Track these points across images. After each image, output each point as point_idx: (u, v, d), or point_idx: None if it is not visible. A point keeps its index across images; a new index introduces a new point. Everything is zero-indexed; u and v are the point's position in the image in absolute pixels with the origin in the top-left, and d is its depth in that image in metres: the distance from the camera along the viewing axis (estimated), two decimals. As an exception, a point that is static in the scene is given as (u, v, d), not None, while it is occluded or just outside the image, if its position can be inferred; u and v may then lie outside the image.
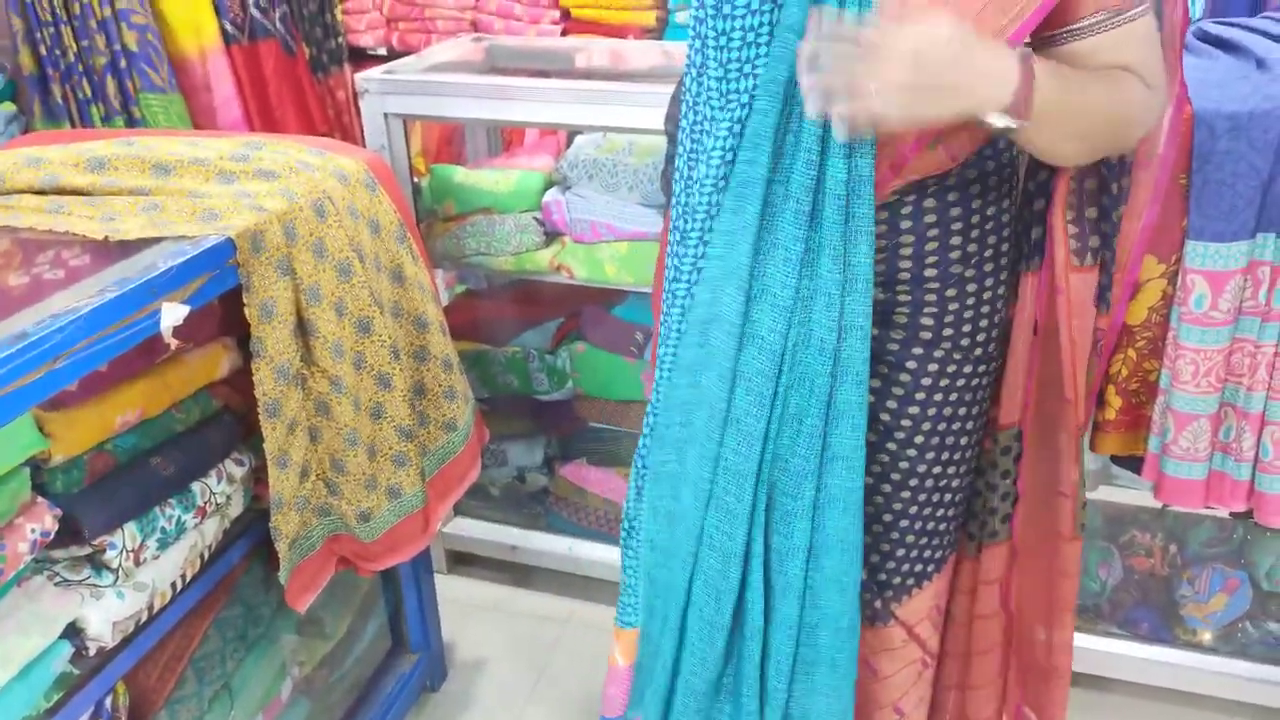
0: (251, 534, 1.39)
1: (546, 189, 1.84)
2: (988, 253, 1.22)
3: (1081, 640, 1.77)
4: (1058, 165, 1.15)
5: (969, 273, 1.21)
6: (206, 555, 1.29)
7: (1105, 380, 1.54)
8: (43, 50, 2.18)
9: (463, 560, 2.16)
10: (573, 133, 1.94)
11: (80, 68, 2.21)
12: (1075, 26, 1.02)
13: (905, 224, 1.16)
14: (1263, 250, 1.37)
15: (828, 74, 0.93)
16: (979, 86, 0.95)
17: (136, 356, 1.15)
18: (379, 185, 1.46)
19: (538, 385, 1.97)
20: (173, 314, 1.11)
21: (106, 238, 1.19)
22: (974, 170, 1.16)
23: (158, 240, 1.19)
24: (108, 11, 2.21)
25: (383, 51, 3.02)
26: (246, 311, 1.23)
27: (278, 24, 2.64)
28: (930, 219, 1.17)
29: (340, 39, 2.87)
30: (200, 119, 2.40)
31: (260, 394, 1.26)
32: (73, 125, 2.24)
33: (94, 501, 1.11)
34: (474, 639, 2.00)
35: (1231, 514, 1.61)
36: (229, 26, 2.48)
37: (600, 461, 2.03)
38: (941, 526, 1.40)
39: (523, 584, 2.14)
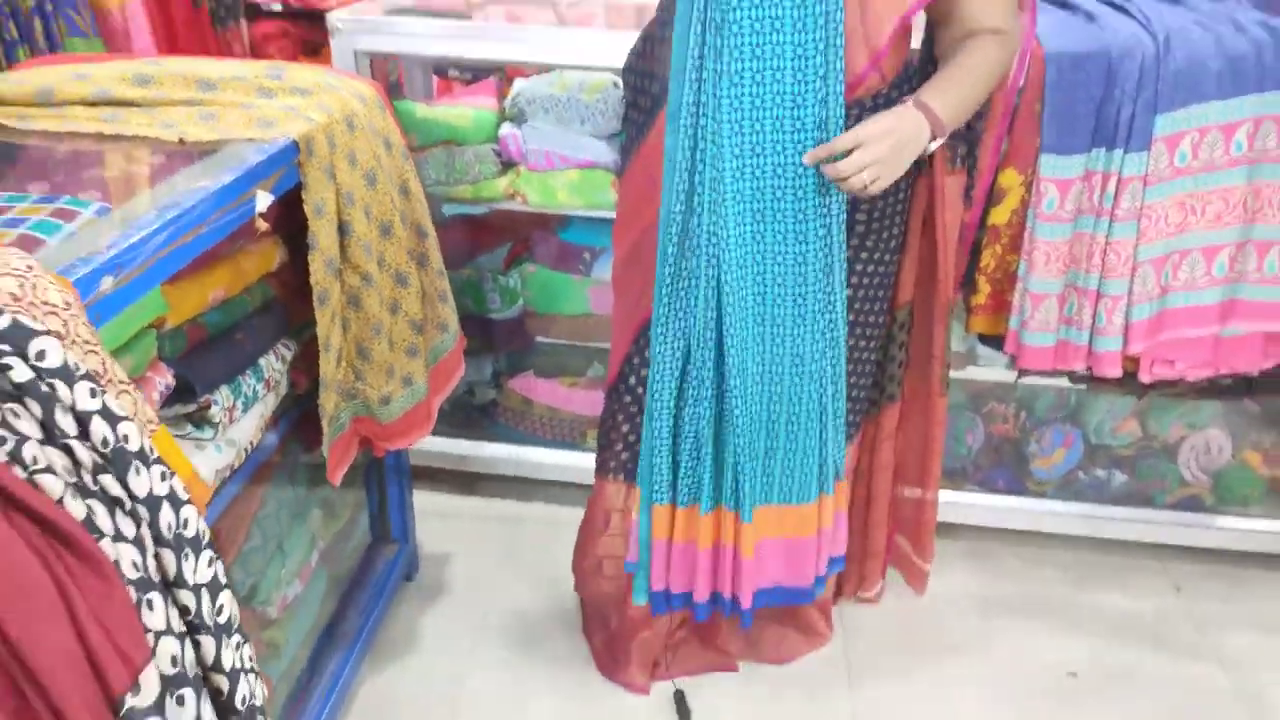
0: (287, 418, 1.56)
1: (500, 124, 2.06)
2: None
3: (952, 496, 2.19)
4: None
5: None
6: (265, 425, 1.46)
7: (976, 271, 1.93)
8: (-34, -9, 2.19)
9: (417, 474, 2.34)
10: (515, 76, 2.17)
11: (8, 9, 2.23)
12: None
13: None
14: (1095, 162, 1.78)
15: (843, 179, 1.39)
16: (915, 145, 1.41)
17: (223, 242, 1.31)
18: (386, 108, 1.65)
19: (491, 305, 2.18)
20: (265, 200, 1.29)
21: (181, 139, 1.34)
22: (895, 92, 1.50)
23: (224, 142, 1.36)
24: (33, -46, 2.24)
25: (278, 8, 3.09)
26: (305, 208, 1.41)
27: (185, -25, 2.70)
28: None
29: (237, -7, 2.94)
30: (124, 65, 2.45)
31: (314, 283, 1.44)
32: (0, 66, 2.25)
33: (197, 365, 1.27)
34: (436, 539, 2.19)
35: (1071, 379, 2.04)
36: (143, -25, 2.53)
37: (546, 373, 2.27)
38: (864, 393, 1.76)
39: (473, 491, 2.35)
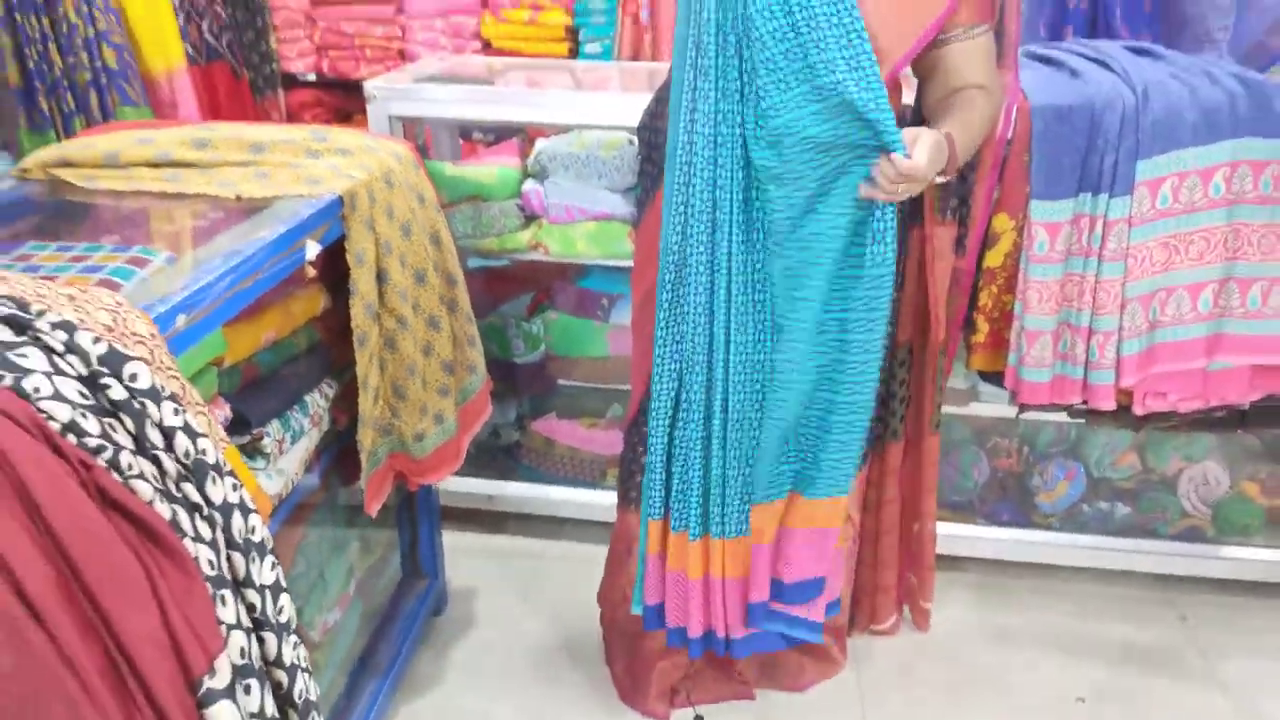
0: (328, 454, 1.67)
1: (523, 180, 2.20)
2: (904, 209, 1.69)
3: (960, 530, 2.27)
4: None
5: None
6: (310, 458, 1.57)
7: (975, 311, 2.04)
8: (30, 65, 2.35)
9: (446, 514, 2.44)
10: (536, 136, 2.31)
11: (65, 82, 2.39)
12: (945, 36, 1.52)
13: None
14: (1083, 206, 1.90)
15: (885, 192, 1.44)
16: (936, 168, 1.44)
17: (275, 287, 1.44)
18: (419, 166, 1.79)
19: (515, 350, 2.30)
20: (314, 249, 1.42)
21: (238, 196, 1.48)
22: None
23: (276, 199, 1.49)
24: (91, 31, 2.42)
25: (312, 77, 3.28)
26: (348, 257, 1.53)
27: (226, 48, 2.89)
28: None
29: (275, 65, 3.14)
30: (171, 132, 2.62)
31: (355, 326, 1.56)
32: (58, 135, 2.41)
33: (252, 400, 1.39)
34: (464, 575, 2.29)
35: (1069, 413, 2.13)
36: (189, 49, 2.71)
37: (567, 415, 2.38)
38: (869, 423, 1.86)
39: (499, 530, 2.45)
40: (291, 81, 3.26)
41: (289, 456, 1.46)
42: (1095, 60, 2.02)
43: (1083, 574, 2.29)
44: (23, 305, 0.90)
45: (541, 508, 2.39)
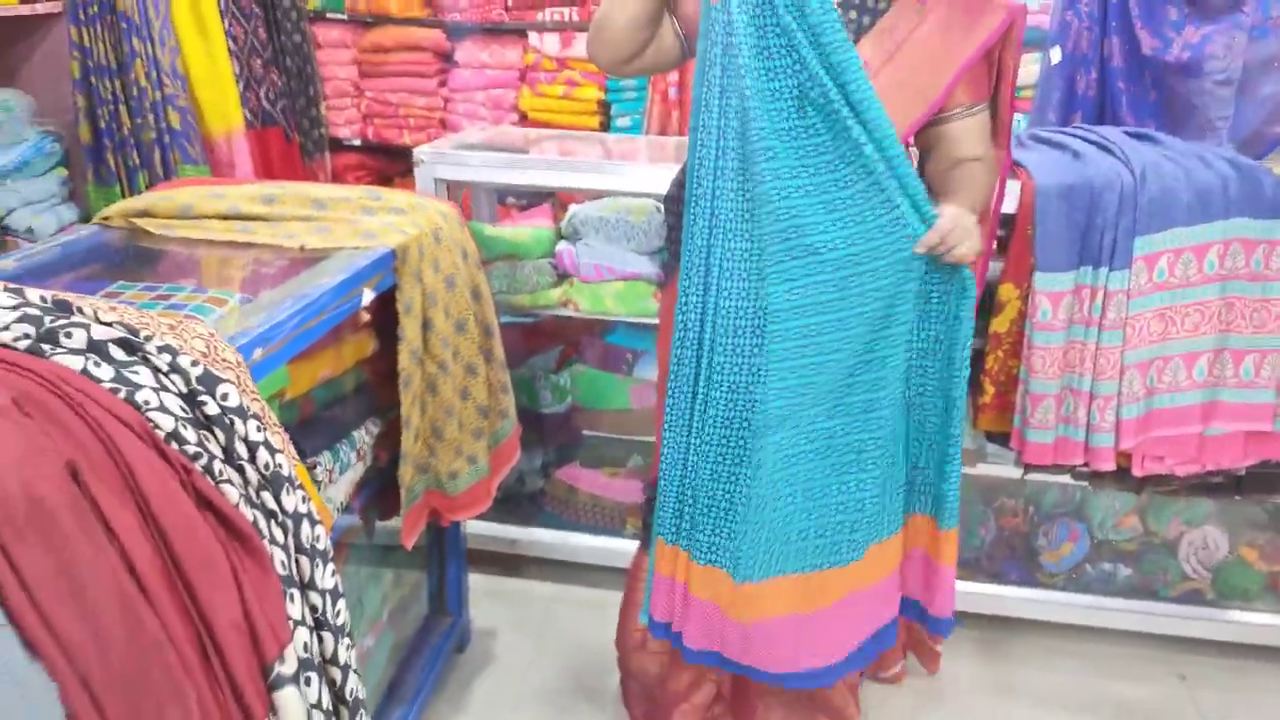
0: (369, 489, 1.79)
1: (556, 241, 2.34)
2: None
3: (967, 587, 2.35)
4: None
5: None
6: (354, 490, 1.68)
7: (982, 374, 2.15)
8: (101, 125, 2.54)
9: (470, 556, 2.54)
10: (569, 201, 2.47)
11: (133, 141, 2.58)
12: (946, 115, 1.66)
13: None
14: (1084, 277, 2.02)
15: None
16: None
17: (332, 330, 1.57)
18: (463, 225, 1.93)
19: (543, 401, 2.43)
20: (369, 296, 1.55)
21: (302, 247, 1.62)
22: None
23: (336, 250, 1.63)
24: (158, 95, 2.61)
25: (358, 142, 3.48)
26: (398, 305, 1.67)
27: (280, 114, 3.08)
28: None
29: (323, 130, 3.33)
30: (228, 190, 2.80)
31: (401, 369, 1.69)
32: (122, 190, 2.59)
33: (306, 432, 1.51)
34: (486, 616, 2.38)
35: (1073, 475, 2.22)
36: (247, 114, 2.90)
37: (590, 464, 2.49)
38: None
39: (520, 573, 2.54)
40: (338, 145, 3.46)
41: (337, 486, 1.58)
42: (1097, 144, 2.16)
43: (1085, 632, 2.36)
44: (132, 330, 1.03)
45: (563, 553, 2.49)
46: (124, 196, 2.54)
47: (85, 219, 2.57)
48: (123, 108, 2.56)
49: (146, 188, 2.61)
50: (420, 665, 2.08)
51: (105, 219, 1.75)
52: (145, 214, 1.73)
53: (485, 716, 2.09)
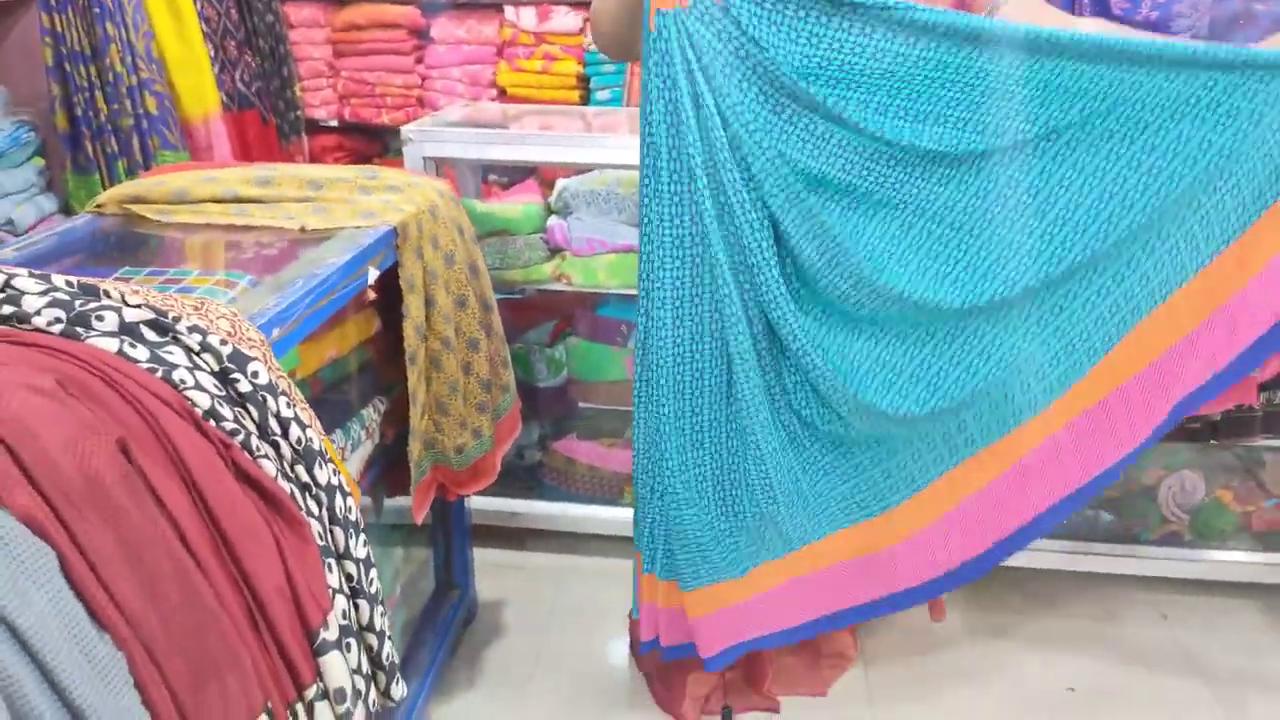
0: (377, 466, 1.81)
1: (546, 217, 2.36)
2: None
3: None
4: None
5: None
6: (364, 467, 1.71)
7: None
8: (78, 112, 2.51)
9: (474, 531, 2.57)
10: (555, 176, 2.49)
11: (110, 127, 2.55)
12: None
13: None
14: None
15: None
16: None
17: (336, 312, 1.59)
18: (458, 202, 1.95)
19: (539, 375, 2.45)
20: (374, 273, 1.57)
21: (303, 228, 1.63)
22: None
23: (337, 230, 1.65)
24: (134, 80, 2.58)
25: (335, 123, 3.46)
26: (400, 282, 1.69)
27: (256, 96, 3.07)
28: None
29: (299, 112, 3.30)
30: (207, 175, 2.78)
31: (406, 345, 1.71)
32: (101, 178, 2.56)
33: (318, 411, 1.52)
34: (492, 589, 2.42)
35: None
36: (224, 97, 2.88)
37: (587, 435, 2.52)
38: None
39: (523, 546, 2.58)
40: (315, 127, 3.44)
41: (348, 464, 1.60)
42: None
43: (1070, 577, 2.44)
44: (160, 312, 1.05)
45: (563, 524, 2.53)
46: (104, 184, 2.52)
47: (64, 208, 2.55)
48: (99, 94, 2.53)
49: (126, 175, 2.60)
50: (431, 638, 2.11)
51: (99, 206, 1.75)
52: (139, 200, 1.74)
53: (497, 685, 2.14)
